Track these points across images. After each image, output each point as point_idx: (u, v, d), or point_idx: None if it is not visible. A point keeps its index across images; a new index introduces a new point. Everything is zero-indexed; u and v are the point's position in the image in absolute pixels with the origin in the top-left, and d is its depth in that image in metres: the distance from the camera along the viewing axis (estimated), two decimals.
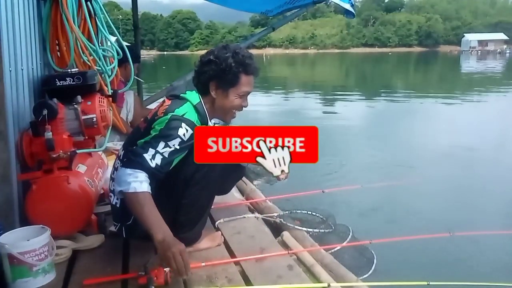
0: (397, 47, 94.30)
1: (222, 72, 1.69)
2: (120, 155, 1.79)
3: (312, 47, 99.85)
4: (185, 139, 1.58)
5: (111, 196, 1.78)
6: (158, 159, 1.54)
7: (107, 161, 2.44)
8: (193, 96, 1.73)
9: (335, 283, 1.72)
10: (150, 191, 1.52)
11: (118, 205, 1.73)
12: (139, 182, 1.50)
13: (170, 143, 1.56)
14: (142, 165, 1.52)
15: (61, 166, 1.91)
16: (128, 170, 1.51)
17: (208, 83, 1.72)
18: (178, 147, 1.57)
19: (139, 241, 1.84)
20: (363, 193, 3.68)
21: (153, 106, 3.36)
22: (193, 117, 1.65)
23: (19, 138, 1.91)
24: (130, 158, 1.55)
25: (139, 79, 4.00)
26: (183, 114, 1.62)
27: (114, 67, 2.48)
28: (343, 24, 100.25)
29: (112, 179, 1.81)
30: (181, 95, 1.73)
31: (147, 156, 1.53)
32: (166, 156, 1.56)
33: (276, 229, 2.30)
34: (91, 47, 2.31)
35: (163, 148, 1.55)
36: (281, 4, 4.21)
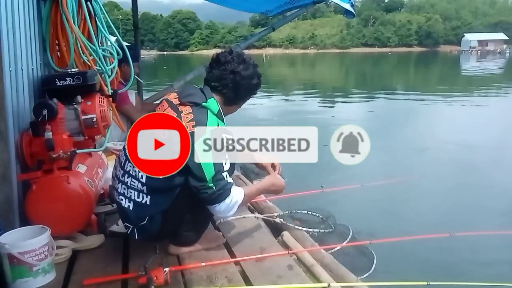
0: (397, 47, 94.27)
1: (256, 87, 1.84)
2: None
3: (312, 47, 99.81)
4: None
5: (122, 200, 1.74)
6: (226, 171, 1.70)
7: (107, 161, 2.44)
8: (214, 106, 1.73)
9: (335, 283, 1.72)
10: (238, 187, 1.78)
11: (131, 208, 1.72)
12: (235, 199, 1.72)
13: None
14: (227, 189, 1.69)
15: (61, 166, 1.91)
16: (225, 204, 1.69)
17: (248, 97, 1.84)
18: None
19: (149, 241, 1.84)
20: (363, 192, 3.69)
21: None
22: None
23: (19, 138, 1.91)
24: (217, 196, 1.67)
25: (139, 78, 4.00)
26: (219, 123, 1.72)
27: (114, 67, 2.48)
28: (343, 24, 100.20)
29: (117, 179, 1.78)
30: (203, 104, 1.71)
31: (227, 182, 1.69)
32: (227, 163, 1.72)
33: (276, 229, 2.30)
34: (91, 47, 2.30)
35: (227, 164, 1.71)
36: (281, 4, 4.21)
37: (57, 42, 2.33)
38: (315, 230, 2.36)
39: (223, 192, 1.68)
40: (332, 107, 12.33)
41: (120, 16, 74.99)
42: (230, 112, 1.85)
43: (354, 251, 2.34)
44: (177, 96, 1.77)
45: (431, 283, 1.80)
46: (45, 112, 1.83)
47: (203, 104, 1.71)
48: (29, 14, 2.14)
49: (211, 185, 1.65)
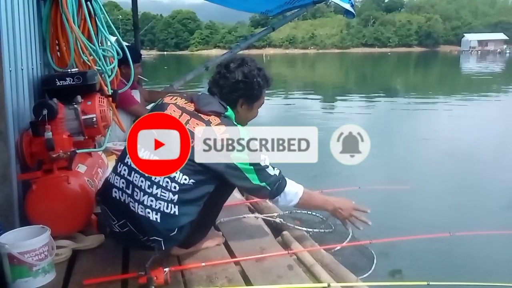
0: (397, 47, 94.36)
1: (252, 91, 1.81)
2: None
3: (312, 47, 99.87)
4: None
5: (149, 213, 1.61)
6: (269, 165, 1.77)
7: (107, 161, 2.44)
8: (232, 115, 1.79)
9: (335, 283, 1.72)
10: (298, 184, 1.87)
11: (159, 220, 1.61)
12: (294, 190, 1.83)
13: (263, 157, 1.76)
14: (280, 183, 1.78)
15: (61, 166, 1.91)
16: (281, 196, 1.80)
17: (238, 101, 1.81)
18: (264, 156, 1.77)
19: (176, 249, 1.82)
20: (361, 195, 3.68)
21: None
22: None
23: (19, 138, 1.91)
24: (273, 189, 1.76)
25: (143, 78, 4.02)
26: (248, 134, 1.73)
27: (114, 67, 2.48)
28: (343, 24, 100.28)
29: (142, 191, 1.63)
30: (225, 113, 1.73)
31: (272, 175, 1.75)
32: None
33: (276, 229, 2.30)
34: (91, 47, 2.31)
35: (266, 161, 1.76)
36: (281, 4, 4.21)
37: (57, 42, 2.33)
38: (315, 230, 2.36)
39: (279, 185, 1.77)
40: (332, 107, 12.33)
41: (120, 16, 75.00)
42: (251, 116, 1.89)
43: (354, 251, 2.34)
44: (187, 102, 1.75)
45: (431, 283, 1.79)
46: (45, 112, 1.82)
47: (226, 113, 1.73)
48: (29, 14, 2.14)
49: (263, 184, 1.72)
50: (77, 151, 1.96)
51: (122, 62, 2.62)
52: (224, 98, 1.78)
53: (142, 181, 1.63)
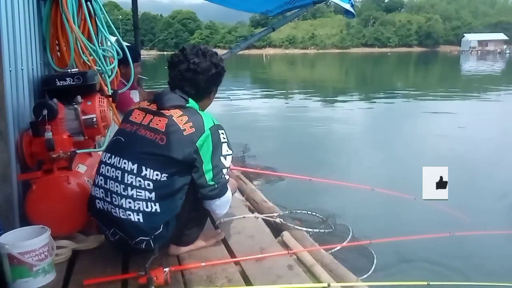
0: (397, 47, 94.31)
1: (221, 77, 1.86)
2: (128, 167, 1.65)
3: (312, 47, 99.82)
4: (227, 139, 1.74)
5: (130, 215, 1.62)
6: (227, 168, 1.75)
7: None
8: (195, 104, 1.77)
9: (335, 283, 1.73)
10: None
11: (141, 220, 1.63)
12: (230, 196, 1.80)
13: (227, 152, 1.73)
14: (225, 185, 1.75)
15: (61, 166, 1.92)
16: (225, 197, 1.75)
17: (212, 90, 1.85)
18: (230, 151, 1.75)
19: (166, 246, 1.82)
20: (372, 195, 3.68)
21: None
22: None
23: (19, 138, 1.91)
24: (217, 192, 1.72)
25: (143, 76, 4.02)
26: (214, 120, 1.73)
27: (114, 67, 2.48)
28: (343, 24, 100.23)
29: (119, 195, 1.64)
30: (187, 105, 1.73)
31: (226, 179, 1.74)
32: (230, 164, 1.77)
33: (276, 229, 2.31)
34: (91, 47, 2.31)
35: (227, 160, 1.73)
36: (281, 4, 4.21)
37: (57, 42, 2.33)
38: (315, 230, 2.36)
39: (222, 189, 1.73)
40: (333, 107, 12.33)
41: (120, 16, 74.95)
42: (204, 107, 1.85)
43: (354, 251, 2.34)
44: (150, 104, 1.77)
45: (431, 283, 1.80)
46: (45, 112, 1.83)
47: (187, 105, 1.73)
48: (29, 14, 2.14)
49: (212, 183, 1.68)
50: (77, 151, 1.97)
51: (121, 62, 2.62)
52: (202, 92, 1.79)
53: (117, 186, 1.66)
